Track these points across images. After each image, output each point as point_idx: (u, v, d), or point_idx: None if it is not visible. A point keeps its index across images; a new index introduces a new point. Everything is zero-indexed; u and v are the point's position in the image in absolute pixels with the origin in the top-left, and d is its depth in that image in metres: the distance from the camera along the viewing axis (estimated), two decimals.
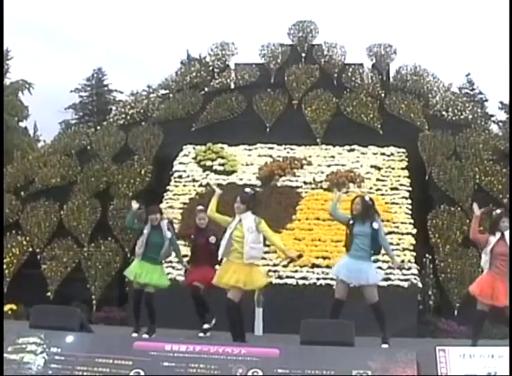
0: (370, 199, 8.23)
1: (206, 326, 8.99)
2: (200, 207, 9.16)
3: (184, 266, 9.46)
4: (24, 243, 13.17)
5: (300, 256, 9.49)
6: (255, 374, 5.39)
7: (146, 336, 8.31)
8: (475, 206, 7.97)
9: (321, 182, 13.96)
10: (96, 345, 5.81)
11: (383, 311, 7.75)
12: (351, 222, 7.99)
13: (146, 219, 8.81)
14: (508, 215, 7.79)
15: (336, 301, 7.83)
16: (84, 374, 5.56)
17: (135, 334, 8.39)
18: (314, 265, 11.47)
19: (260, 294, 9.57)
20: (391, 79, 17.25)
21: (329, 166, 14.51)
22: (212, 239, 8.91)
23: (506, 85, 27.20)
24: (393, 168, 14.36)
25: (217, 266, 8.31)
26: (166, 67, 49.31)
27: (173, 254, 9.11)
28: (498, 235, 7.64)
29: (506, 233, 7.58)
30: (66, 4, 60.74)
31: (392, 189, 13.71)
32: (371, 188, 13.68)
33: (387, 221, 12.44)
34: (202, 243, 9.11)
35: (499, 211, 7.96)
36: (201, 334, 8.97)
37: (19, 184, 14.73)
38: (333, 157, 14.89)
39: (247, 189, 7.95)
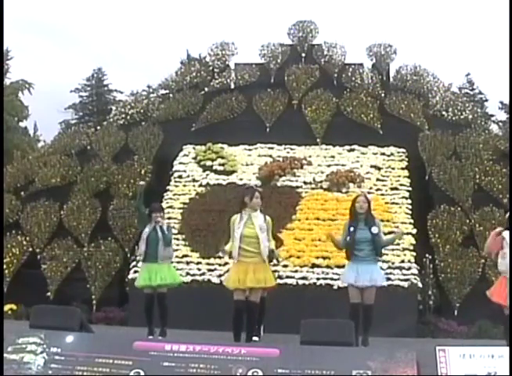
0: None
1: (255, 338, 8.53)
2: None
3: None
4: (24, 243, 13.16)
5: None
6: (255, 374, 5.38)
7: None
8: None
9: (321, 182, 13.95)
10: (96, 345, 5.79)
11: (373, 314, 7.75)
12: (351, 229, 7.80)
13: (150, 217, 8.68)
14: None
15: (353, 305, 7.75)
16: (84, 374, 5.55)
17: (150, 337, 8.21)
18: (314, 265, 11.47)
19: None
20: (391, 79, 17.24)
21: (329, 166, 14.50)
22: None
23: (506, 85, 27.16)
24: (393, 168, 14.35)
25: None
26: (166, 67, 49.28)
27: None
28: None
29: None
30: (69, 3, 60.81)
31: (392, 189, 13.70)
32: (371, 188, 13.68)
33: (387, 221, 12.44)
34: None
35: None
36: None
37: (19, 184, 14.71)
38: (333, 157, 14.88)
39: (253, 185, 7.89)
